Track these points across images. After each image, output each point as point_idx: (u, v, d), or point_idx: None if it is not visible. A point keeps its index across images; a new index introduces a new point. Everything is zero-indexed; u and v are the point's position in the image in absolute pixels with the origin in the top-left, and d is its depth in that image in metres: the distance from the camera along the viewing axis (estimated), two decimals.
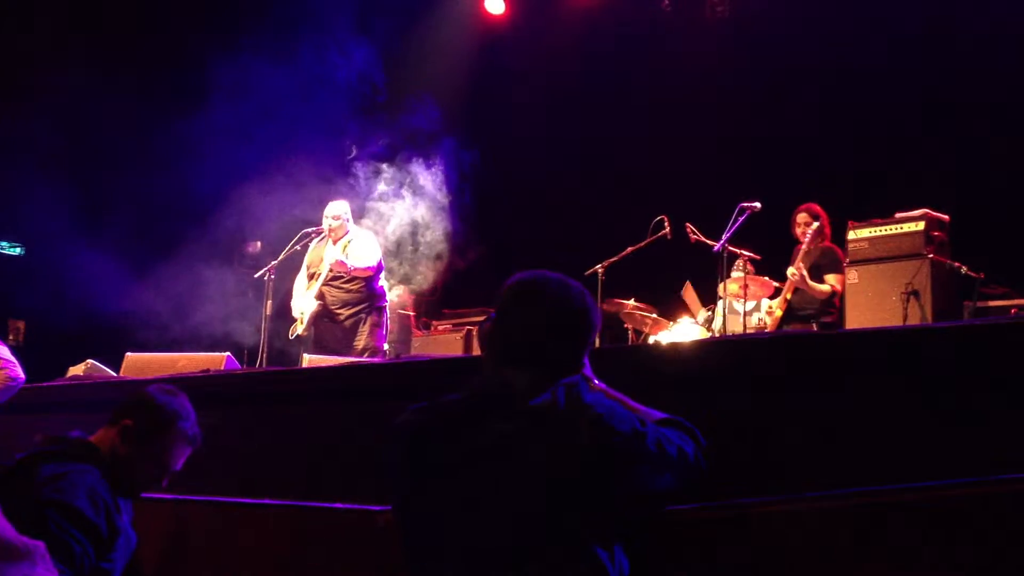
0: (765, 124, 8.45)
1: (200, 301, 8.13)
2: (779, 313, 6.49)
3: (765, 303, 6.65)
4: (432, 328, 8.76)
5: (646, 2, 9.37)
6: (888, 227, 6.28)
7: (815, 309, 6.39)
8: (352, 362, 5.73)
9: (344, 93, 8.32)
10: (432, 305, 9.34)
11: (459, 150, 8.38)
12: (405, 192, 8.01)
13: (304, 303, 6.85)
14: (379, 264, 6.91)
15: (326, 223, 6.88)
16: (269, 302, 7.03)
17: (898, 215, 6.32)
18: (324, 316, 6.82)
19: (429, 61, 9.73)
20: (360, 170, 8.05)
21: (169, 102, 8.37)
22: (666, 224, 6.91)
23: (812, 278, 6.37)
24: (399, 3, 9.13)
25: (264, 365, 6.79)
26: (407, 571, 2.15)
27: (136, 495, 2.90)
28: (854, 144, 8.15)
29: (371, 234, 7.21)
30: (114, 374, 5.61)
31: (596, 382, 2.28)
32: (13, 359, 4.60)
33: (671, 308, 7.49)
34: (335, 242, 6.81)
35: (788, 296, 6.47)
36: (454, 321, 8.65)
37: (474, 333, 7.83)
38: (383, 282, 7.05)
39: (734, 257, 6.67)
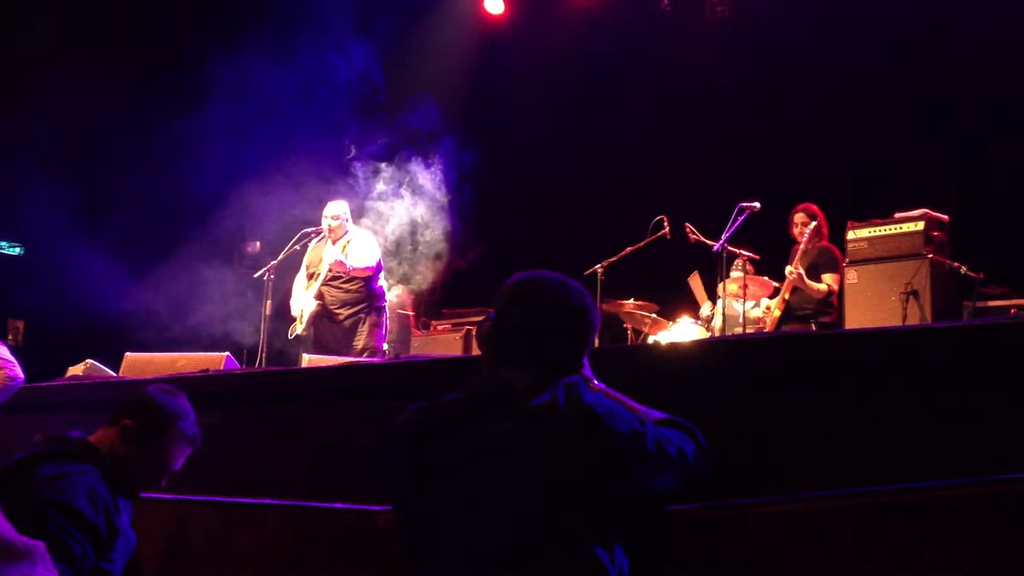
0: (765, 124, 8.46)
1: (199, 301, 8.14)
2: (777, 313, 6.49)
3: (764, 302, 6.66)
4: (431, 328, 8.76)
5: (646, 2, 9.37)
6: (888, 227, 6.28)
7: (813, 309, 6.40)
8: (352, 362, 5.73)
9: (344, 93, 8.32)
10: (431, 305, 9.33)
11: (459, 150, 8.38)
12: (404, 192, 8.02)
13: (303, 303, 6.85)
14: (378, 264, 6.91)
15: (325, 223, 6.88)
16: (268, 302, 7.03)
17: (898, 215, 6.32)
18: (323, 316, 6.82)
19: (429, 61, 9.73)
20: (360, 170, 8.05)
21: (169, 102, 8.37)
22: (666, 224, 6.91)
23: (810, 277, 6.38)
24: (399, 3, 9.13)
25: (263, 365, 6.79)
26: (407, 571, 2.15)
27: (136, 495, 2.90)
28: (854, 144, 8.16)
29: (370, 234, 7.21)
30: (114, 374, 5.61)
31: (596, 382, 2.28)
32: (13, 359, 4.60)
33: (671, 308, 7.49)
34: (334, 242, 6.81)
35: (786, 296, 6.48)
36: (453, 321, 8.64)
37: (473, 333, 7.83)
38: (382, 282, 7.05)
39: (733, 257, 6.68)
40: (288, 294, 7.11)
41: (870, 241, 6.29)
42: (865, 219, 6.41)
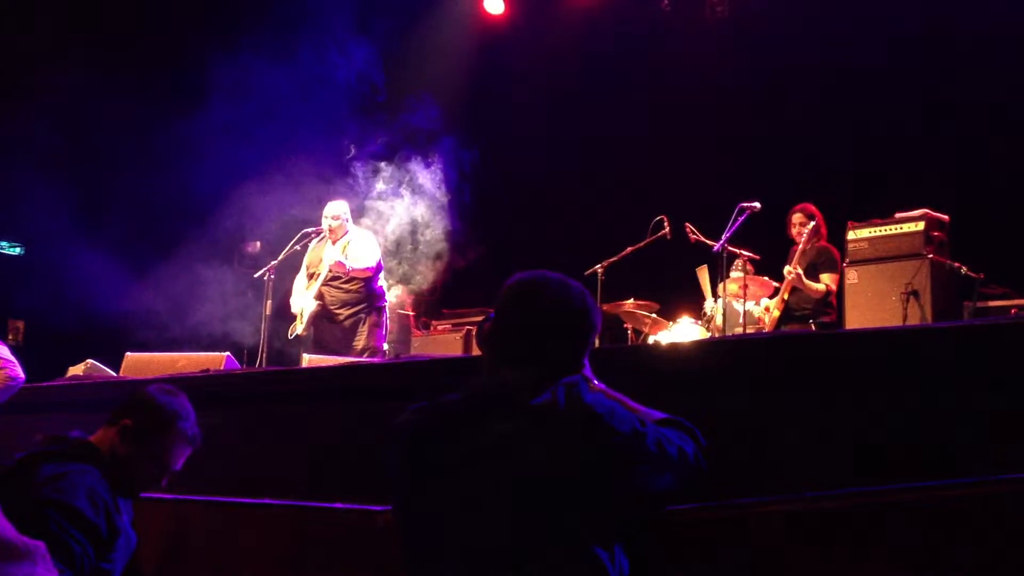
0: (765, 124, 8.46)
1: (200, 301, 8.14)
2: (776, 313, 6.49)
3: (764, 302, 6.66)
4: (432, 328, 8.76)
5: (646, 2, 9.37)
6: (888, 227, 6.28)
7: (812, 309, 6.40)
8: (352, 362, 5.73)
9: (344, 93, 8.32)
10: (431, 305, 9.33)
11: (459, 149, 8.38)
12: (404, 191, 8.02)
13: (303, 303, 6.85)
14: (378, 264, 6.91)
15: (325, 223, 6.88)
16: (269, 302, 7.03)
17: (898, 215, 6.32)
18: (323, 316, 6.82)
19: (429, 61, 9.74)
20: (359, 170, 8.05)
21: (169, 102, 8.37)
22: (666, 224, 6.91)
23: (808, 277, 6.38)
24: (399, 3, 9.13)
25: (264, 365, 6.79)
26: (407, 571, 2.15)
27: (136, 495, 2.90)
28: (854, 144, 8.16)
29: (370, 234, 7.20)
30: (114, 374, 5.61)
31: (596, 382, 2.28)
32: (13, 359, 4.60)
33: (671, 308, 7.49)
34: (334, 242, 6.81)
35: (785, 296, 6.48)
36: (453, 321, 8.65)
37: (473, 333, 7.82)
38: (382, 282, 7.05)
39: (734, 257, 6.68)
40: (288, 294, 7.10)
41: (870, 241, 6.30)
42: (865, 219, 6.41)
